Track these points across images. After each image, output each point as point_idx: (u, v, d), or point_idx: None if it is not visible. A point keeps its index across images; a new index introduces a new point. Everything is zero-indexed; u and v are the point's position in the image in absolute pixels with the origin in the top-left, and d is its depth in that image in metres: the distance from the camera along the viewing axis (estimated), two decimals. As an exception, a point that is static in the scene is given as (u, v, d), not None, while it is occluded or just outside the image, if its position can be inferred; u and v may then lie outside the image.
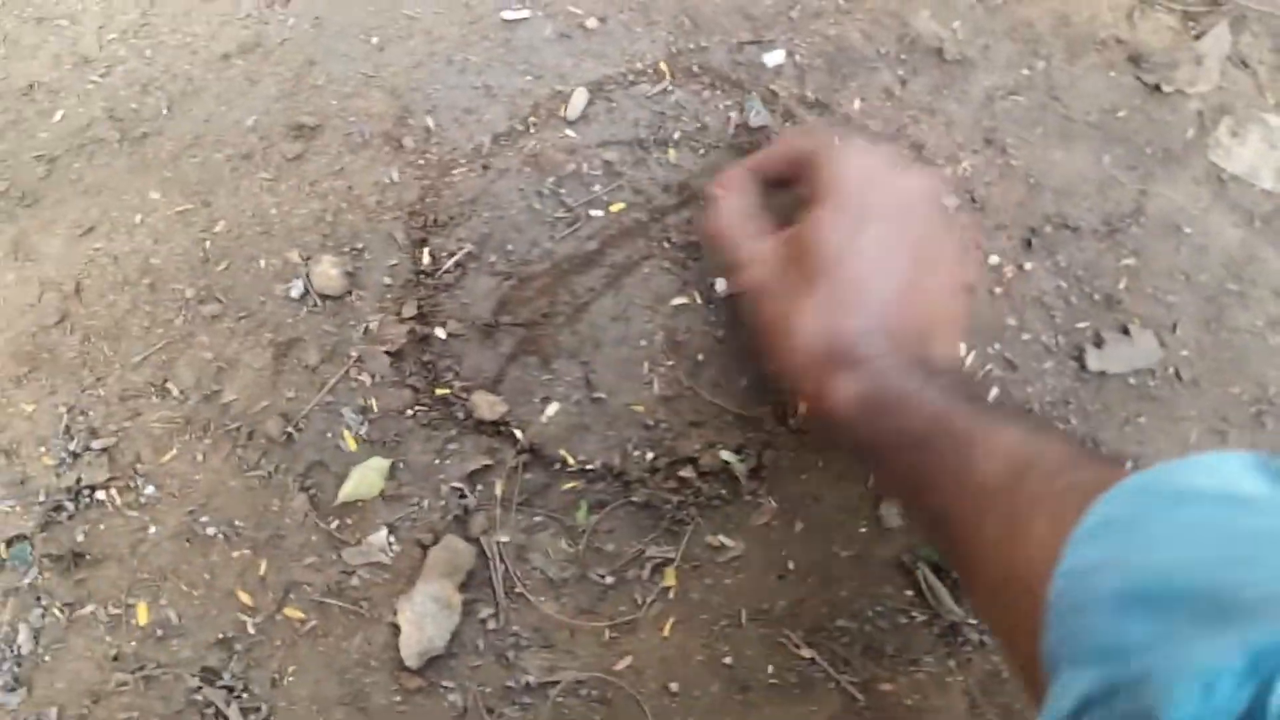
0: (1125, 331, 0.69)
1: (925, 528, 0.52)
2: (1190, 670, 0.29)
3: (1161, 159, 0.75)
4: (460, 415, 0.64)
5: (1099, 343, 0.69)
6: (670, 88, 0.77)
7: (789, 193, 0.60)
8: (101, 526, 0.63)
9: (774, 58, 0.78)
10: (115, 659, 0.59)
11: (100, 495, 0.63)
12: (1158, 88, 0.78)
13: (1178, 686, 0.29)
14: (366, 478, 0.62)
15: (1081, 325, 0.69)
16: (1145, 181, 0.74)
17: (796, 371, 0.54)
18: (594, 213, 0.71)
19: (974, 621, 0.61)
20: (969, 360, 0.68)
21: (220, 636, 0.60)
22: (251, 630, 0.60)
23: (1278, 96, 0.79)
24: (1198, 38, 0.80)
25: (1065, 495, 0.39)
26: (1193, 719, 0.28)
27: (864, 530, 0.63)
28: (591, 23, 0.79)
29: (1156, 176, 0.74)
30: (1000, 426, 0.45)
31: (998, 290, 0.70)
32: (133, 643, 0.60)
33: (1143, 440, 0.67)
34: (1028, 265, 0.71)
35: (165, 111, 0.74)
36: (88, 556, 0.62)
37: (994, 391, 0.67)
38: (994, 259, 0.71)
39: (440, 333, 0.67)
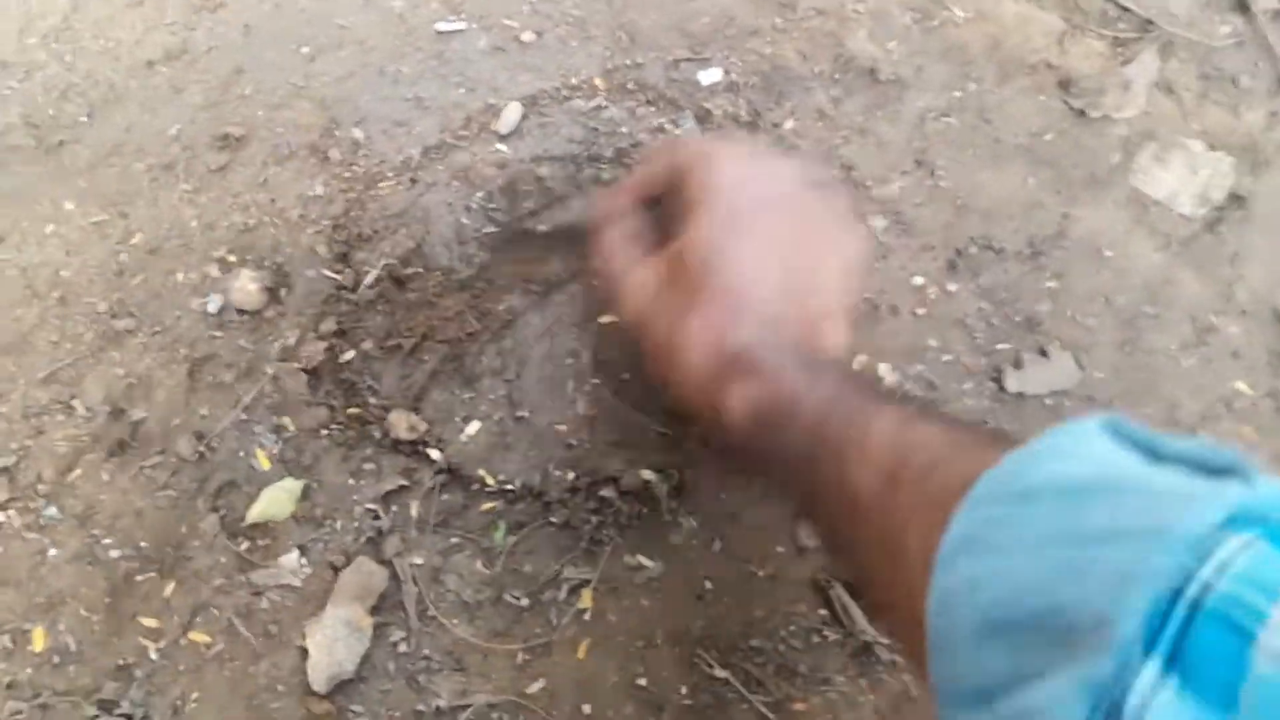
0: (1044, 353, 0.70)
1: (822, 543, 0.51)
2: None
3: (1086, 183, 0.76)
4: (377, 434, 0.64)
5: (1018, 364, 0.69)
6: (605, 103, 0.76)
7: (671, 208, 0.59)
8: None
9: (709, 75, 0.78)
10: (9, 686, 0.58)
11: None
12: (1084, 112, 0.79)
13: None
14: (277, 499, 0.61)
15: (1002, 346, 0.70)
16: (1070, 205, 0.75)
17: (690, 393, 0.52)
18: (523, 228, 0.70)
19: (885, 641, 0.61)
20: (891, 379, 0.68)
21: (120, 663, 0.58)
22: (154, 656, 0.59)
23: (1202, 123, 0.80)
24: (1125, 64, 0.81)
25: (934, 503, 0.38)
26: None
27: (781, 550, 0.63)
28: (527, 36, 0.79)
29: (1081, 200, 0.75)
30: (874, 425, 0.43)
31: (921, 311, 0.70)
32: (28, 670, 0.58)
33: (1060, 463, 0.67)
34: (951, 287, 0.71)
35: (85, 119, 0.73)
36: (-15, 579, 0.61)
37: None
38: (918, 280, 0.71)
39: (360, 350, 0.66)
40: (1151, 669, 0.27)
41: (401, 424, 0.64)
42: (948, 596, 0.34)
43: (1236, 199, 0.76)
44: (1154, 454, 0.33)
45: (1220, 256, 0.74)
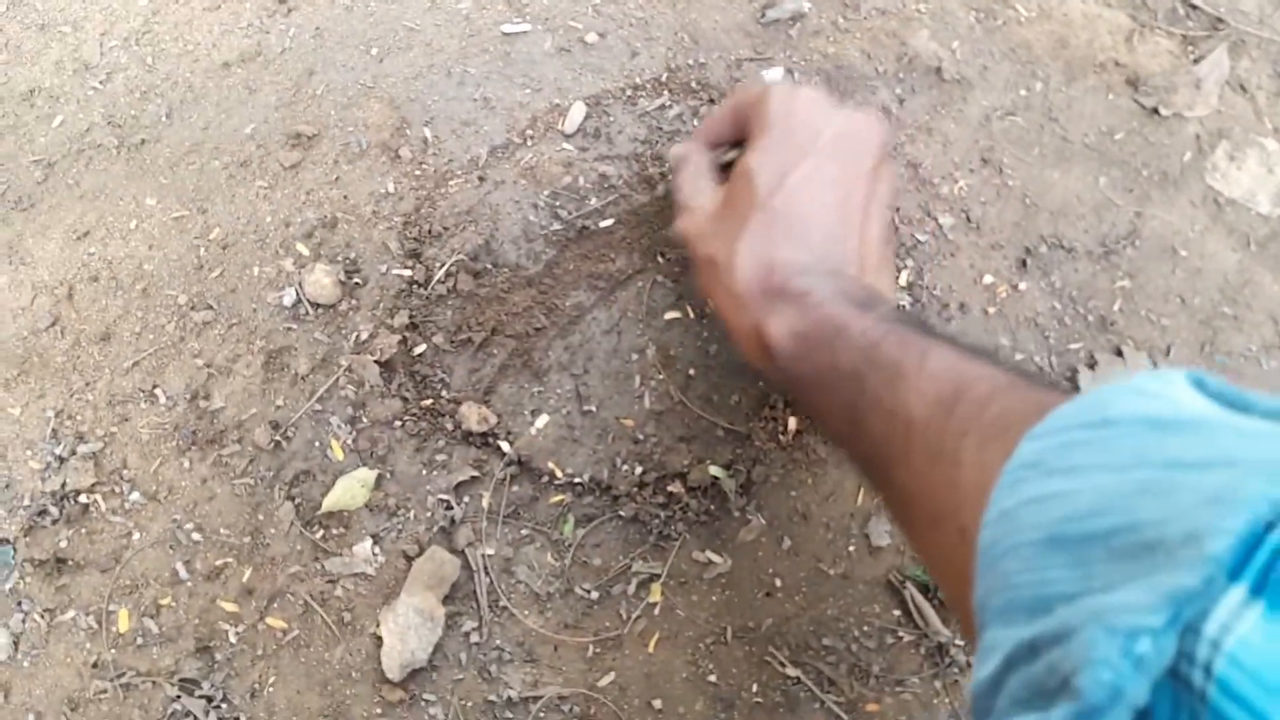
0: (1119, 353, 0.69)
1: (860, 467, 0.49)
2: (1109, 624, 0.27)
3: (1158, 182, 0.75)
4: (449, 426, 0.64)
5: (1092, 364, 0.68)
6: (668, 103, 0.77)
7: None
8: (85, 532, 0.62)
9: (773, 75, 0.78)
10: (95, 666, 0.59)
11: (85, 500, 0.63)
12: (1155, 111, 0.78)
13: (1096, 645, 0.27)
14: (351, 489, 0.61)
15: (1075, 346, 0.69)
16: (1141, 204, 0.74)
17: (733, 310, 0.53)
18: (589, 225, 0.71)
19: (961, 643, 0.60)
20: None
21: (201, 645, 0.59)
22: (233, 639, 0.59)
23: (1276, 121, 0.78)
24: (1196, 62, 0.80)
25: (994, 428, 0.37)
26: (1112, 683, 0.26)
27: (852, 549, 0.62)
28: (591, 37, 0.79)
29: (1153, 199, 0.74)
30: (931, 354, 0.43)
31: (991, 309, 0.69)
32: (112, 650, 0.59)
33: (1135, 463, 0.66)
34: (1022, 285, 0.70)
35: (164, 118, 0.74)
36: (70, 562, 0.62)
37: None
38: (988, 278, 0.70)
39: (432, 343, 0.67)
40: (1238, 592, 0.26)
41: (472, 416, 0.64)
42: (1010, 512, 0.33)
43: (1315, 198, 0.75)
44: (1244, 408, 0.32)
45: (1299, 256, 0.73)
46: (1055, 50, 0.80)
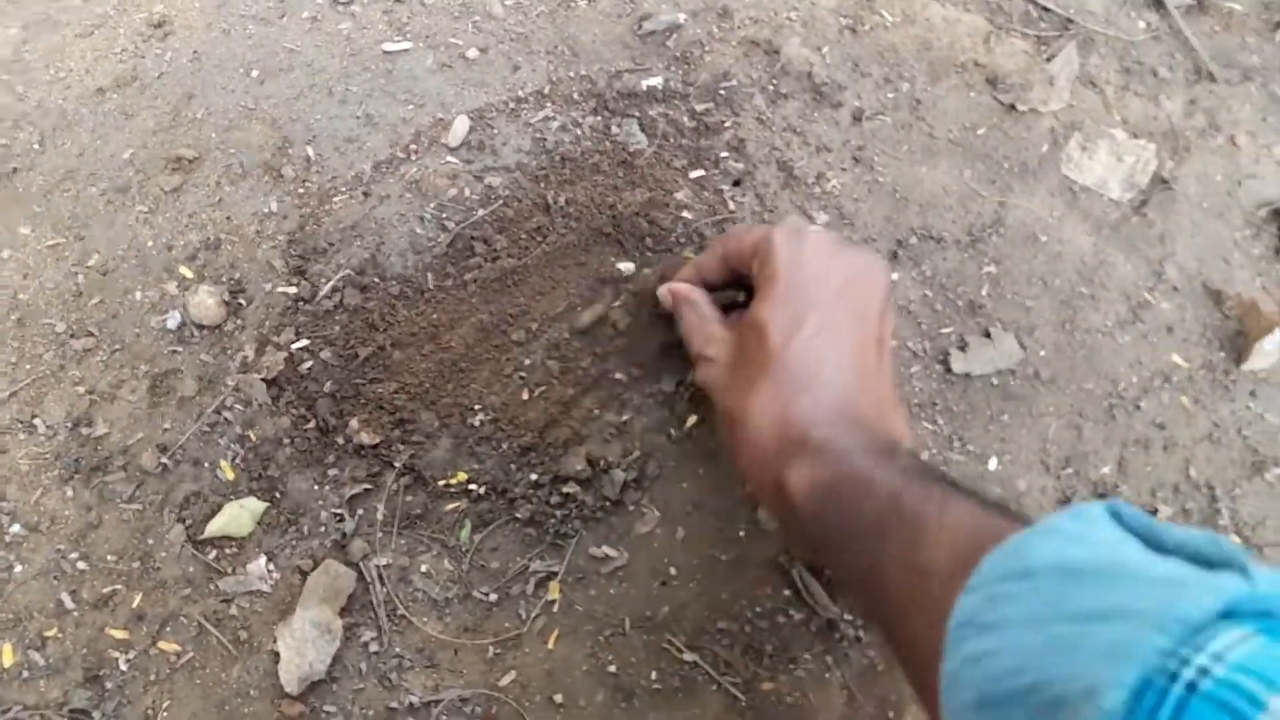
0: (987, 335, 0.72)
1: (877, 620, 0.49)
2: None
3: (1018, 173, 0.79)
4: (339, 441, 0.64)
5: (963, 346, 0.72)
6: (552, 114, 0.78)
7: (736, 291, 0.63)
8: (-36, 567, 0.61)
9: (651, 84, 0.80)
10: (-22, 702, 0.57)
11: (-37, 535, 0.61)
12: (1013, 107, 0.82)
13: None
14: (238, 517, 0.61)
15: (946, 330, 0.72)
16: (1004, 194, 0.78)
17: (754, 463, 0.53)
18: (475, 234, 0.72)
19: (849, 617, 0.63)
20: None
21: (90, 675, 0.58)
22: (123, 667, 0.59)
23: (1123, 113, 0.84)
24: (1049, 60, 0.85)
25: None
26: None
27: (742, 534, 0.64)
28: (472, 53, 0.81)
29: (1014, 189, 0.79)
30: (951, 508, 0.43)
31: (866, 300, 0.73)
32: (-3, 684, 0.58)
33: (1006, 437, 0.70)
34: (895, 275, 0.74)
35: (37, 146, 0.73)
36: (-50, 598, 0.60)
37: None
38: (862, 270, 0.74)
39: (319, 359, 0.67)
40: None
41: (362, 429, 0.65)
42: (953, 673, 0.36)
43: (1161, 182, 0.80)
44: (1155, 543, 0.35)
45: (1149, 237, 0.78)
46: (919, 53, 0.84)
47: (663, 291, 0.64)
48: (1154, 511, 0.69)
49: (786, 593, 0.63)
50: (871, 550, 0.46)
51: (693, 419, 0.67)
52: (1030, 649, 0.33)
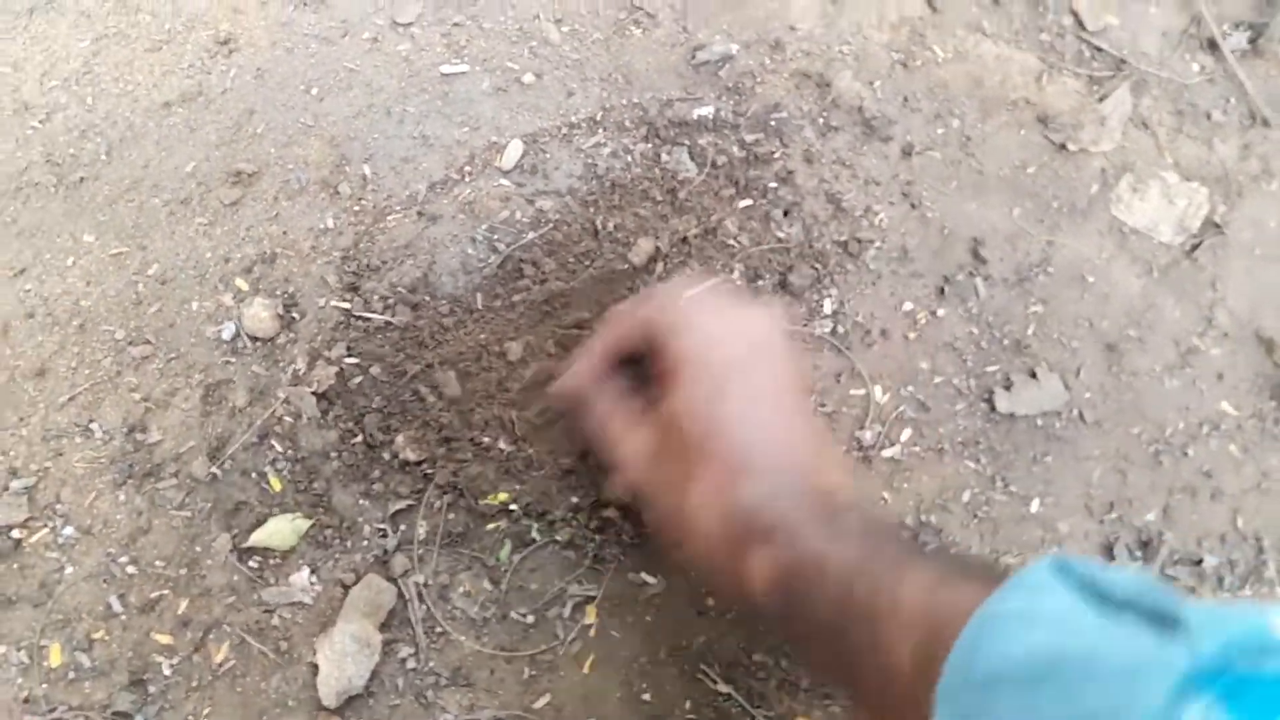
0: (1033, 375, 0.72)
1: (854, 705, 0.50)
2: None
3: (1067, 213, 0.79)
4: (385, 456, 0.65)
5: (1008, 385, 0.72)
6: (604, 140, 0.79)
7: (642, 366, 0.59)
8: (16, 567, 0.62)
9: (702, 113, 0.81)
10: (26, 701, 0.59)
11: (17, 535, 0.63)
12: (1064, 146, 0.82)
13: None
14: (281, 531, 0.62)
15: (992, 369, 0.72)
16: (1052, 233, 0.78)
17: (708, 562, 0.51)
18: (524, 257, 0.73)
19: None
20: (883, 399, 0.70)
21: (134, 678, 0.59)
22: (167, 671, 0.60)
23: (1175, 155, 0.83)
24: (1101, 100, 0.85)
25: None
26: None
27: (781, 567, 0.64)
28: (528, 78, 0.82)
29: (1063, 229, 0.78)
30: (903, 590, 0.42)
31: (912, 335, 0.73)
32: (44, 685, 0.59)
33: (1049, 479, 0.69)
34: (940, 311, 0.74)
35: (104, 157, 0.75)
36: (1, 597, 0.62)
37: (907, 433, 0.69)
38: (908, 305, 0.74)
39: (369, 375, 0.68)
40: None
41: (409, 446, 0.65)
42: None
43: (1214, 226, 0.79)
44: (1105, 599, 0.35)
45: (1200, 282, 0.77)
46: (970, 89, 0.84)
47: (553, 392, 0.61)
48: (1199, 561, 0.68)
49: (823, 627, 0.63)
50: (834, 643, 0.45)
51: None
52: None
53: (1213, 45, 0.89)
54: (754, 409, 0.52)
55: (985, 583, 0.40)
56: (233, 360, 0.68)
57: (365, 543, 0.63)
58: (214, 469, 0.64)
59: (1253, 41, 0.88)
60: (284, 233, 0.73)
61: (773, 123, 0.81)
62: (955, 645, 0.37)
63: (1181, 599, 0.33)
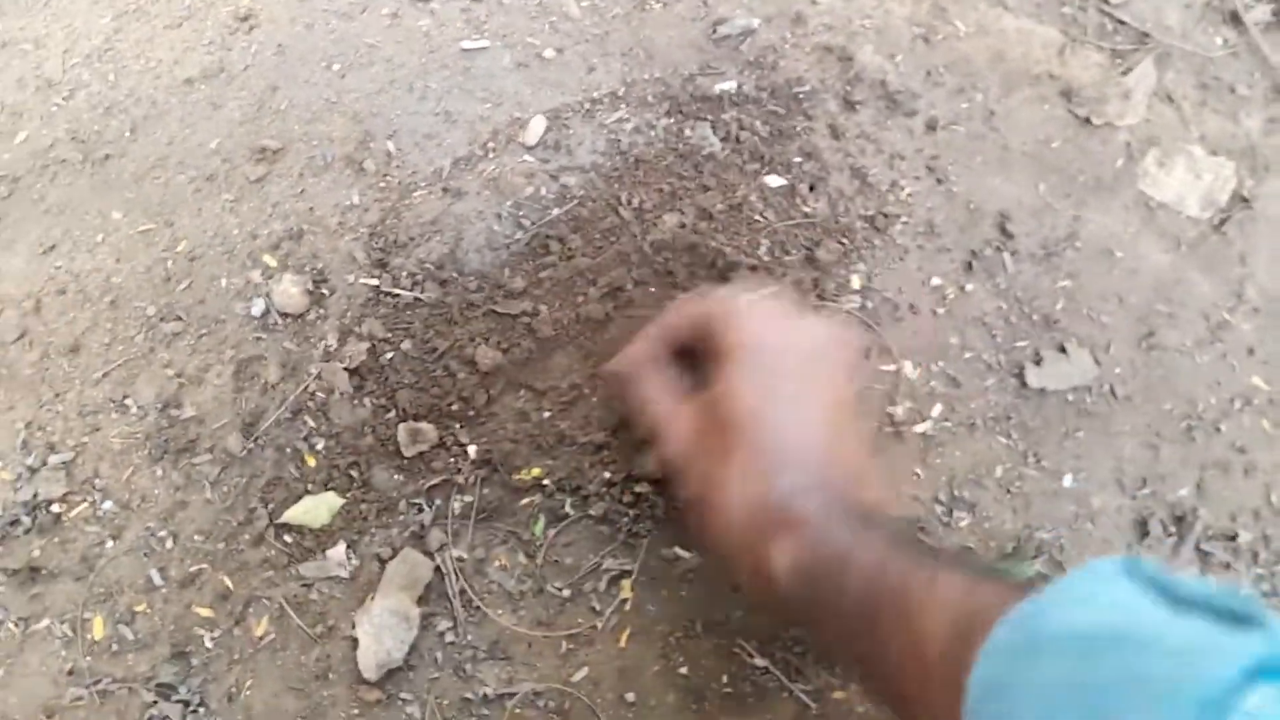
0: (1063, 350, 0.72)
1: (874, 693, 0.49)
2: None
3: (1093, 187, 0.79)
4: (419, 430, 0.65)
5: (1038, 360, 0.72)
6: (626, 116, 0.79)
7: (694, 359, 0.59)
8: (58, 541, 0.63)
9: (724, 88, 0.81)
10: (70, 674, 0.59)
11: (57, 510, 0.63)
12: (1088, 120, 0.82)
13: None
14: (315, 509, 0.62)
15: (1021, 344, 0.72)
16: (1079, 208, 0.78)
17: (731, 548, 0.51)
18: (550, 233, 0.73)
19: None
20: (914, 375, 0.70)
21: (176, 651, 0.60)
22: (208, 644, 0.60)
23: (1201, 129, 0.83)
24: (1125, 74, 0.84)
25: None
26: None
27: (814, 540, 0.64)
28: (549, 53, 0.81)
29: (1089, 204, 0.78)
30: (939, 579, 0.42)
31: (940, 310, 0.73)
32: (88, 658, 0.60)
33: (1080, 454, 0.69)
34: (969, 286, 0.74)
35: (128, 134, 0.75)
36: (44, 571, 0.62)
37: (938, 409, 0.70)
38: (936, 280, 0.74)
39: (400, 350, 0.68)
40: None
41: (442, 421, 0.65)
42: None
43: (1241, 200, 0.79)
44: (1174, 598, 0.34)
45: (1229, 257, 0.77)
46: (993, 63, 0.84)
47: (608, 369, 0.61)
48: (1234, 537, 0.68)
49: (858, 599, 0.63)
50: (859, 628, 0.45)
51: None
52: None
53: (1235, 18, 0.88)
54: (802, 411, 0.52)
55: (1014, 586, 0.40)
56: (264, 336, 0.68)
57: (401, 518, 0.64)
58: (248, 444, 0.65)
59: (1276, 14, 0.88)
60: (310, 209, 0.73)
61: (796, 97, 0.81)
62: (1008, 615, 0.36)
63: (1261, 604, 0.32)
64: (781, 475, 0.50)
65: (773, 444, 0.51)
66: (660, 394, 0.57)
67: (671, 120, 0.79)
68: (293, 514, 0.63)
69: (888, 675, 0.44)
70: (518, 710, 0.60)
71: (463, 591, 0.62)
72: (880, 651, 0.44)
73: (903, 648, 0.42)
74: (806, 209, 0.76)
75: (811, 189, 0.76)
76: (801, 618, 0.52)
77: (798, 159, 0.78)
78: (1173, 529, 0.68)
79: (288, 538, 0.63)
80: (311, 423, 0.66)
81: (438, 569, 0.62)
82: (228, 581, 0.62)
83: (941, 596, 0.41)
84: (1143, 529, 0.68)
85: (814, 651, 0.62)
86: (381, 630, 0.59)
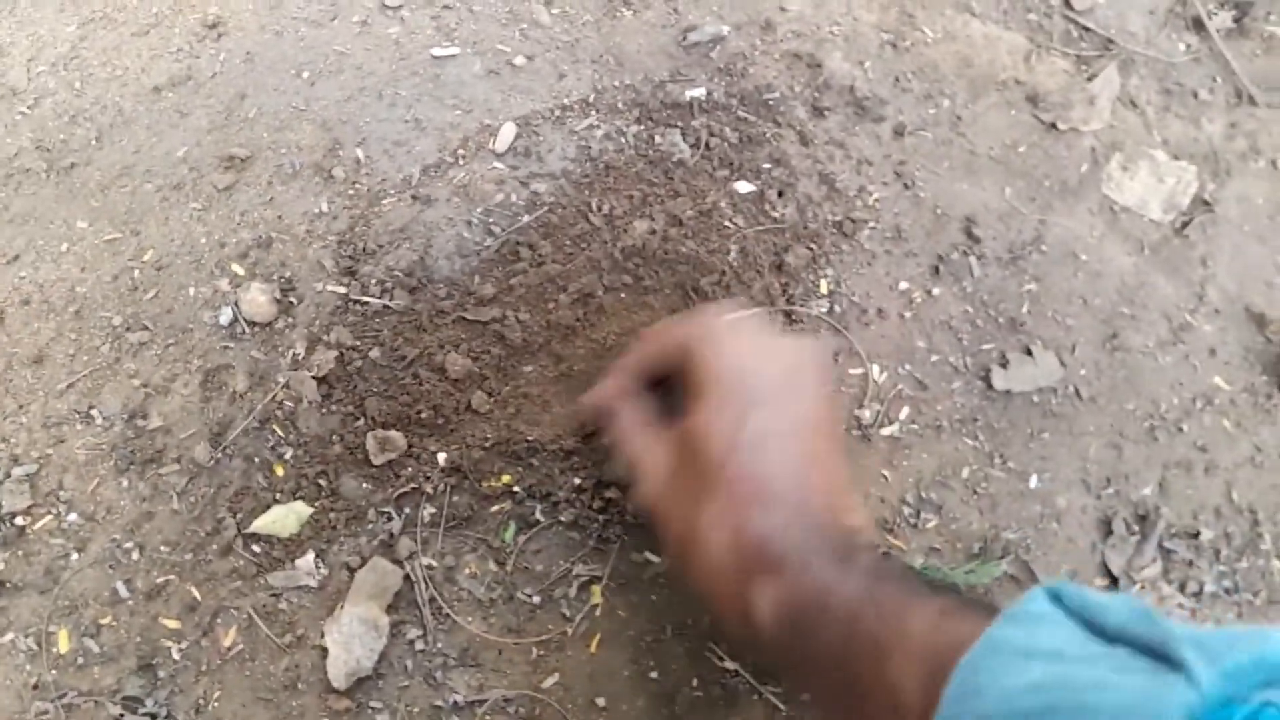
0: (1028, 352, 0.73)
1: None
2: None
3: (1058, 191, 0.80)
4: (388, 439, 0.65)
5: (1004, 363, 0.72)
6: (596, 123, 0.79)
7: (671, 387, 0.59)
8: (22, 554, 0.62)
9: (694, 95, 0.81)
10: (35, 688, 0.58)
11: (21, 522, 0.62)
12: (1054, 125, 0.83)
13: None
14: (284, 519, 0.62)
15: (987, 347, 0.73)
16: (1044, 212, 0.79)
17: (715, 587, 0.50)
18: (520, 240, 0.73)
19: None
20: (881, 378, 0.71)
21: (143, 663, 0.59)
22: (176, 656, 0.60)
23: (1164, 134, 0.84)
24: (1090, 80, 0.85)
25: None
26: None
27: (783, 544, 0.65)
28: (519, 60, 0.82)
29: (1054, 208, 0.79)
30: (910, 623, 0.42)
31: (908, 314, 0.73)
32: (53, 671, 0.59)
33: (1046, 455, 0.70)
34: (936, 290, 0.74)
35: (94, 142, 0.75)
36: (7, 584, 0.61)
37: (905, 411, 0.70)
38: (904, 284, 0.74)
39: (368, 358, 0.68)
40: None
41: (411, 429, 0.65)
42: None
43: (1203, 204, 0.80)
44: (1101, 632, 0.36)
45: (1191, 259, 0.78)
46: (960, 69, 0.85)
47: (583, 403, 0.61)
48: (1196, 535, 0.69)
49: (827, 602, 0.64)
50: (837, 678, 0.45)
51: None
52: None
53: (1198, 24, 0.90)
54: (777, 440, 0.51)
55: (989, 614, 0.40)
56: (231, 345, 0.68)
57: (370, 526, 0.63)
58: (216, 454, 0.64)
59: (1238, 20, 0.89)
60: (279, 217, 0.73)
61: (765, 104, 0.81)
62: (952, 678, 0.37)
63: (1172, 629, 0.34)
64: (759, 511, 0.49)
65: (748, 478, 0.50)
66: (635, 429, 0.57)
67: (641, 127, 0.80)
68: (261, 523, 0.63)
69: (866, 717, 0.44)
70: (488, 717, 0.60)
71: (432, 599, 0.62)
72: (859, 699, 0.44)
73: (879, 702, 0.42)
74: (775, 215, 0.76)
75: (780, 195, 0.77)
76: (784, 663, 0.51)
77: (767, 165, 0.78)
78: (1136, 528, 0.69)
79: (256, 547, 0.63)
80: (280, 432, 0.65)
81: (407, 577, 0.62)
82: (195, 592, 0.61)
83: (913, 644, 0.41)
84: (1107, 528, 0.69)
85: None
86: (351, 639, 0.59)
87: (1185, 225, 0.80)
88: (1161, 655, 0.34)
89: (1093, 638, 0.36)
